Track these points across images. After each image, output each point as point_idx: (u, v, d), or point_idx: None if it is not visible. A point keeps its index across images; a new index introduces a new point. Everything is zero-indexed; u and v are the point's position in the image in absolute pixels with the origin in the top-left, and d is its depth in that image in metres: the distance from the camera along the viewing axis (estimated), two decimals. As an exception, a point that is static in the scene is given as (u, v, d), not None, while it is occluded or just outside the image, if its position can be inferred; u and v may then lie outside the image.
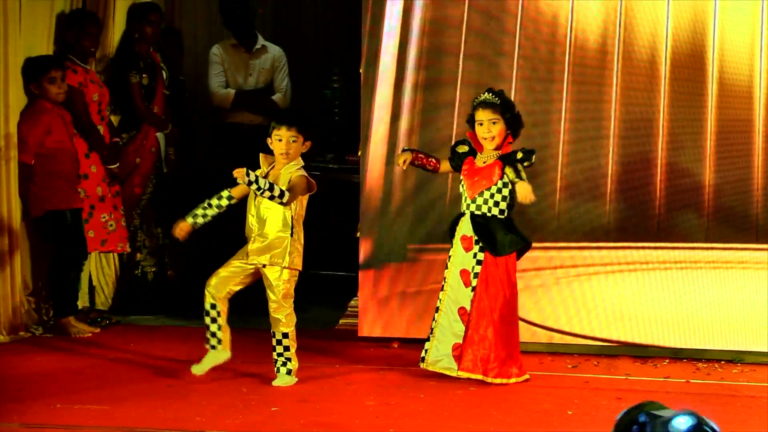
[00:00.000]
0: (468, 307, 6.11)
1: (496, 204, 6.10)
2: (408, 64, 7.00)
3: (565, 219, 6.89)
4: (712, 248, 6.78)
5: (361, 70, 7.08)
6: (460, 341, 6.11)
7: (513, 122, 6.14)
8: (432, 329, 6.22)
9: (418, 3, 6.98)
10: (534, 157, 6.08)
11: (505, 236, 6.09)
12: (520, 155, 6.05)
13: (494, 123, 6.10)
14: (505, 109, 6.12)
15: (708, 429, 3.88)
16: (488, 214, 6.11)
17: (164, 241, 8.19)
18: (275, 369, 6.03)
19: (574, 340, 6.85)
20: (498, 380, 6.03)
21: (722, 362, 6.64)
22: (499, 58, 6.92)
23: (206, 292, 6.04)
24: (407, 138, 6.98)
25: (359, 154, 7.12)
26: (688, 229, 6.81)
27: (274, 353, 6.03)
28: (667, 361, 6.70)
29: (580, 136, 6.88)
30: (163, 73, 8.22)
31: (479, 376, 6.03)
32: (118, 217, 7.70)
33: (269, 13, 9.67)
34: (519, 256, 6.21)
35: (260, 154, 6.09)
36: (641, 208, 6.86)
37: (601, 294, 6.85)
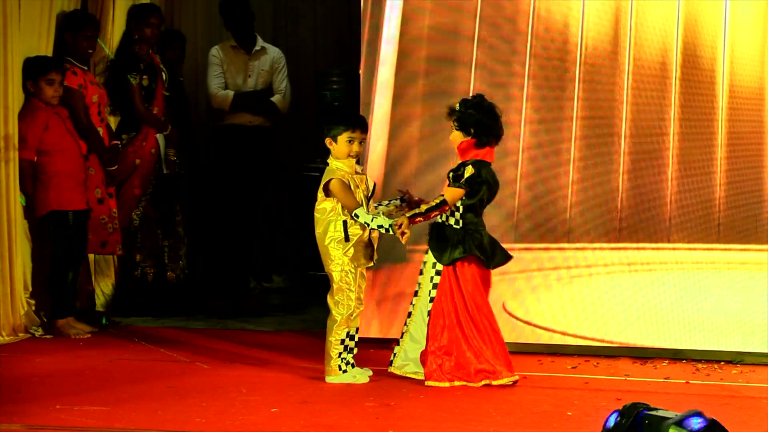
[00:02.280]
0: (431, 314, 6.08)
1: (452, 213, 6.04)
2: (408, 64, 7.01)
3: (564, 218, 6.89)
4: (713, 249, 6.78)
5: (360, 72, 7.08)
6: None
7: (467, 128, 5.98)
8: (402, 334, 6.19)
9: (417, 7, 6.99)
10: (469, 191, 5.94)
11: (449, 246, 5.98)
12: (461, 171, 5.95)
13: (451, 130, 6.06)
14: (460, 116, 5.99)
15: (721, 428, 3.90)
16: (446, 223, 6.06)
17: (164, 242, 8.19)
18: (349, 364, 6.13)
19: (574, 341, 6.85)
20: (457, 382, 5.95)
21: (722, 363, 6.65)
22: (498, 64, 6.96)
23: (349, 327, 6.15)
24: (408, 139, 6.99)
25: (358, 155, 7.12)
26: (689, 229, 6.82)
27: (351, 352, 6.16)
28: (667, 362, 6.70)
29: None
30: (163, 74, 8.23)
31: (446, 384, 5.94)
32: (114, 219, 7.70)
33: (269, 15, 9.67)
34: (495, 266, 6.08)
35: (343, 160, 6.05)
36: (642, 209, 6.86)
37: (601, 295, 6.86)
